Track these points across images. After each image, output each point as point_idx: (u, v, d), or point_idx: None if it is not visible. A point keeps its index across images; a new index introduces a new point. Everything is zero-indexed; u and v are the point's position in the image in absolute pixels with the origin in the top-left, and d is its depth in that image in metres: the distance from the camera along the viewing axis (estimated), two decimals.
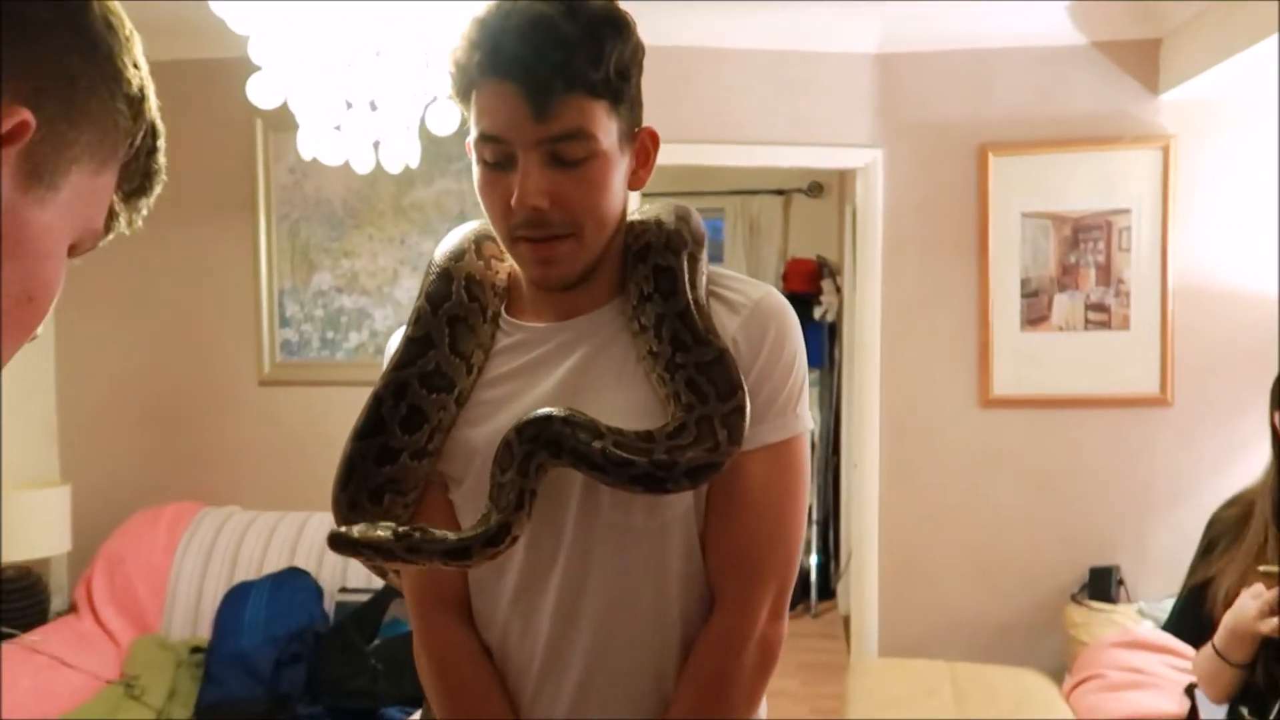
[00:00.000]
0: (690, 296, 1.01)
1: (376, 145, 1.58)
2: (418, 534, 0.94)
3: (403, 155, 1.58)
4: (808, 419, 1.06)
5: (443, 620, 1.07)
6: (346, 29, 1.41)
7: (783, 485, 1.03)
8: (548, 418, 0.96)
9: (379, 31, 1.43)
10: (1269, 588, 1.57)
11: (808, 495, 1.08)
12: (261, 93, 1.51)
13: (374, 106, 1.52)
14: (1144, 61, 3.08)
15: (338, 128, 1.53)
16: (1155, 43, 3.06)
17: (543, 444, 0.95)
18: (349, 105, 1.52)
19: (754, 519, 1.01)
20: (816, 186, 5.41)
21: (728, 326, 1.03)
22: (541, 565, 1.02)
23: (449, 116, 1.55)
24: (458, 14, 1.47)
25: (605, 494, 0.98)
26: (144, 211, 0.65)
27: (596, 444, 0.93)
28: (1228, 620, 1.63)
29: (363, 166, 1.59)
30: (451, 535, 0.96)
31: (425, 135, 2.83)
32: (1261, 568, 1.59)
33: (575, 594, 1.01)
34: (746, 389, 0.99)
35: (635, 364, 1.03)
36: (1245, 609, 1.59)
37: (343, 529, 0.96)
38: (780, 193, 5.48)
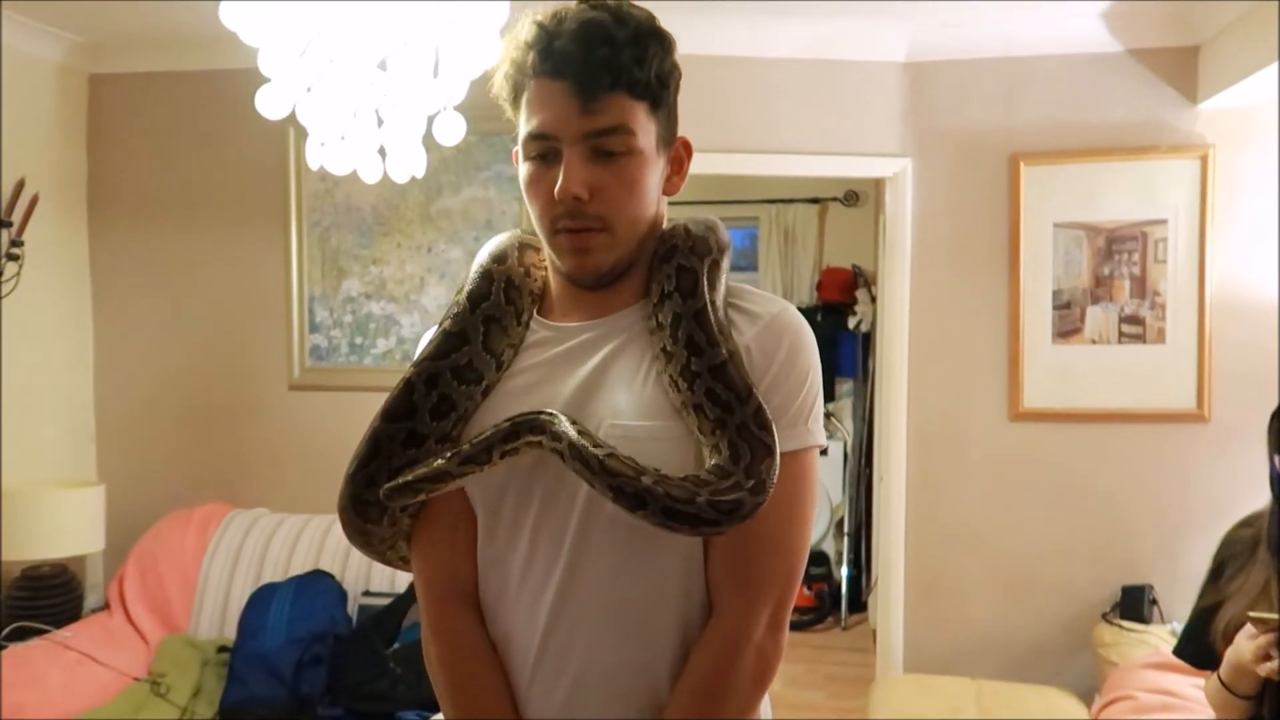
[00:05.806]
0: (708, 298, 1.03)
1: (383, 153, 1.60)
2: (464, 446, 1.00)
3: (409, 166, 1.60)
4: (820, 434, 1.06)
5: (454, 611, 1.09)
6: (351, 41, 1.43)
7: (789, 497, 1.02)
8: (639, 478, 0.94)
9: (383, 42, 1.45)
10: (1261, 632, 1.52)
11: (814, 509, 1.07)
12: (269, 104, 1.54)
13: (379, 117, 1.54)
14: (1182, 69, 3.01)
15: (343, 138, 1.56)
16: (1193, 50, 2.99)
17: (604, 480, 0.94)
18: (355, 115, 1.54)
19: (756, 529, 1.00)
20: (852, 195, 5.37)
21: (744, 334, 1.05)
22: (545, 557, 1.03)
23: (455, 127, 1.57)
24: (462, 22, 1.49)
25: None
26: None
27: (700, 499, 0.93)
28: (1229, 656, 1.58)
29: (370, 176, 1.61)
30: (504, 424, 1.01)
31: (453, 147, 2.86)
32: (1251, 613, 1.53)
33: (572, 587, 1.02)
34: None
35: (650, 363, 1.05)
36: (1242, 649, 1.55)
37: (397, 481, 1.00)
38: (815, 201, 5.45)
